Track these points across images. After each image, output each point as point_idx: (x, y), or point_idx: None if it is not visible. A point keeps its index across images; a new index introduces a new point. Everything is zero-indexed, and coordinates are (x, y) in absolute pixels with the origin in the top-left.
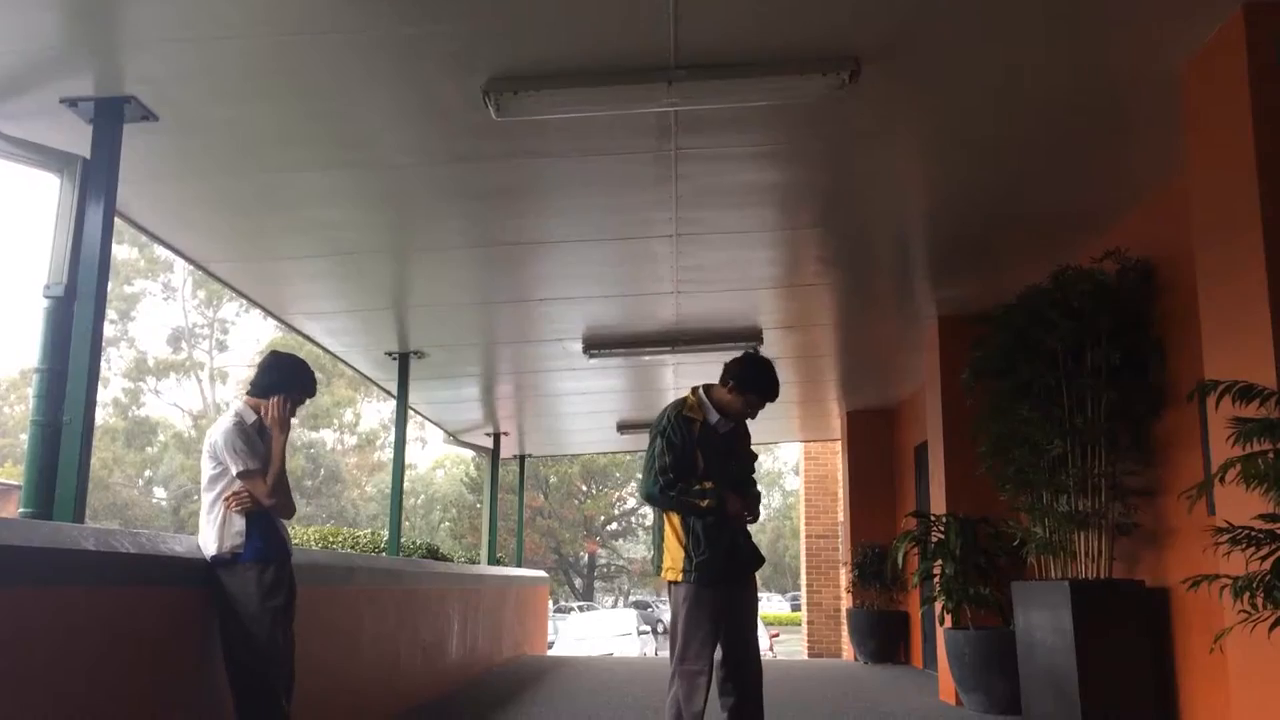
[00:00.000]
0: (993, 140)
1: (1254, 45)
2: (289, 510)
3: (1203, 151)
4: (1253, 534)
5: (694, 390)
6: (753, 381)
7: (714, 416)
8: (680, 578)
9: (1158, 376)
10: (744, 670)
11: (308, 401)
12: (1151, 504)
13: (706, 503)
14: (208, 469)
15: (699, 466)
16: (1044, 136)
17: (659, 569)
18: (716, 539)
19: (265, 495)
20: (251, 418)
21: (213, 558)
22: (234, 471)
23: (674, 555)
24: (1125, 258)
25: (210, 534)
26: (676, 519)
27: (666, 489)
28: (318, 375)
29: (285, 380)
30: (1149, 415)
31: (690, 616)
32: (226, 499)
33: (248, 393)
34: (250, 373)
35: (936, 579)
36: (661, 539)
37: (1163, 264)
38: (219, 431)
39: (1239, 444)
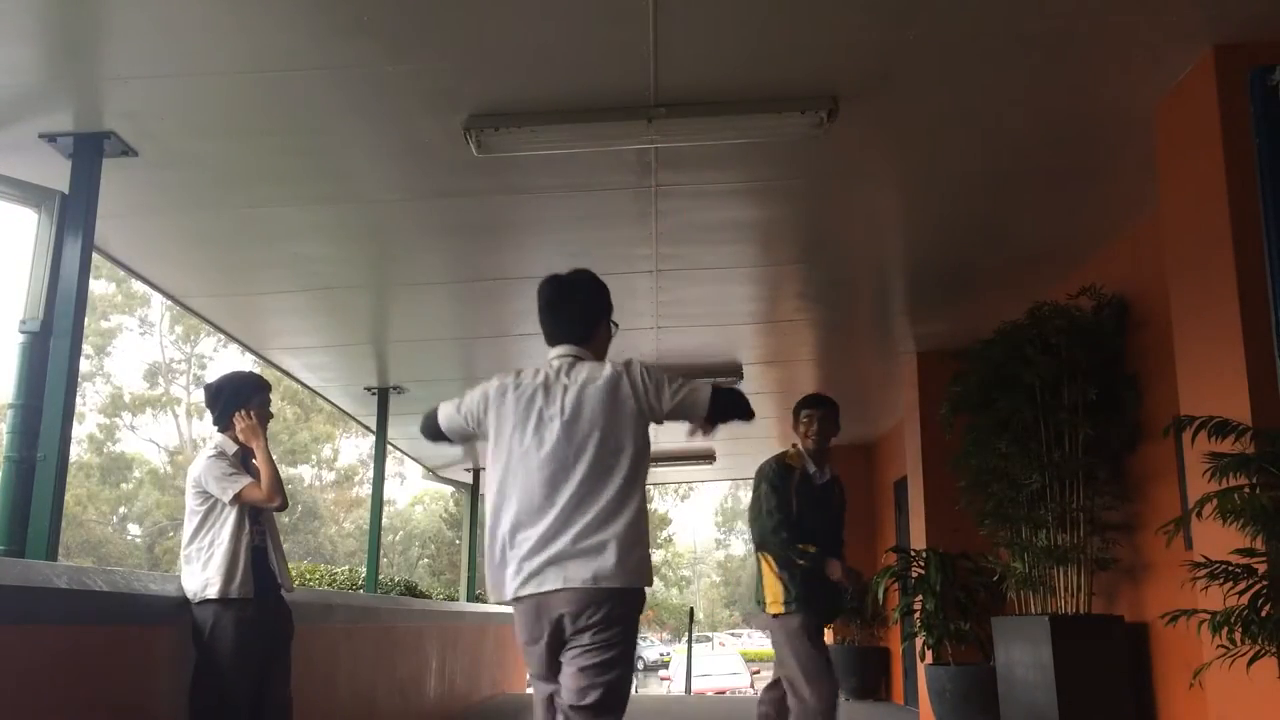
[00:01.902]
0: (969, 178)
1: (1225, 85)
2: (279, 501)
3: (1175, 189)
4: (1230, 569)
5: (794, 444)
6: (797, 406)
7: (811, 467)
8: (782, 609)
9: (1134, 412)
10: None
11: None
12: (1130, 539)
13: (803, 563)
14: (192, 505)
15: (793, 510)
16: (1019, 175)
17: (763, 605)
18: (810, 569)
19: (265, 500)
20: (232, 448)
21: (194, 596)
22: (225, 499)
23: (774, 590)
24: (1100, 294)
25: (192, 573)
26: (772, 556)
27: (777, 530)
28: (296, 410)
29: (234, 397)
30: (1126, 450)
31: (800, 643)
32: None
33: (217, 429)
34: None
35: (917, 614)
36: (760, 577)
37: (1137, 300)
38: (199, 466)
39: (1215, 479)
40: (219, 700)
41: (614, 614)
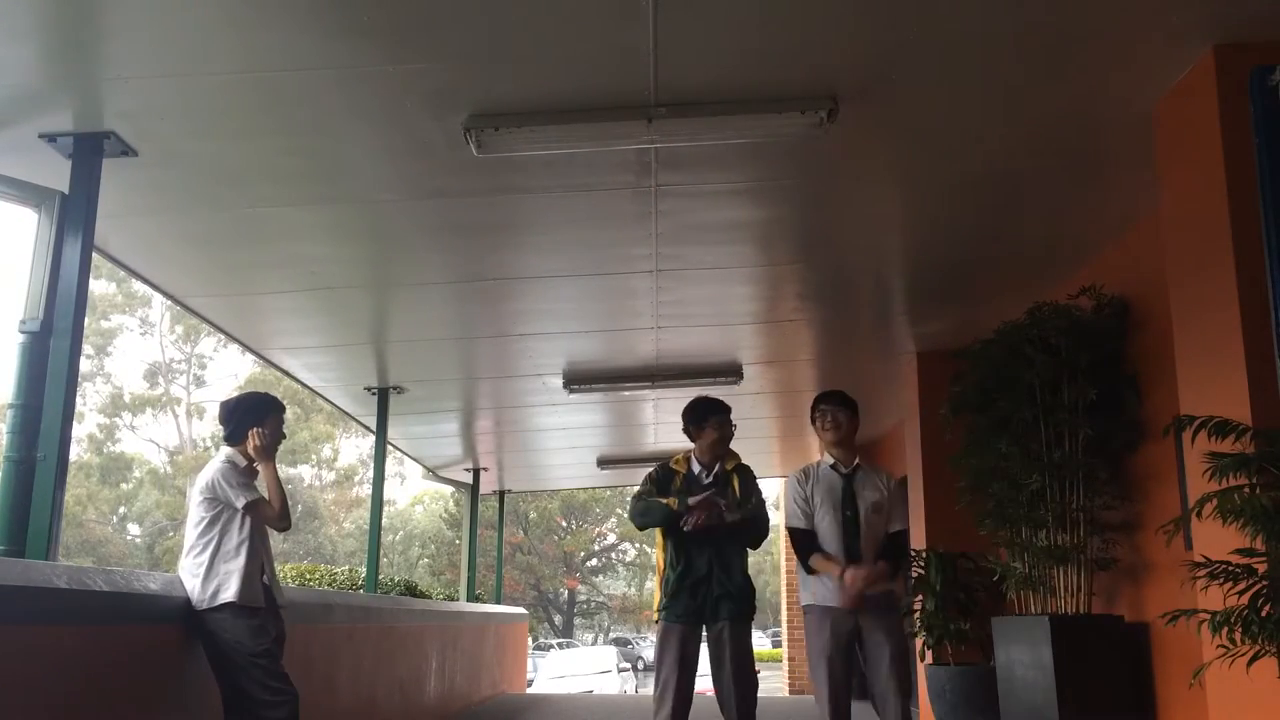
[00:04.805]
0: (969, 178)
1: (1225, 85)
2: (287, 523)
3: (1175, 190)
4: (1230, 569)
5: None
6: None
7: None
8: (657, 616)
9: (1134, 412)
10: (728, 713)
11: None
12: (1130, 539)
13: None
14: (202, 511)
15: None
16: (1019, 175)
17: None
18: (684, 577)
19: (275, 519)
20: (242, 462)
21: (202, 604)
22: (238, 505)
23: (657, 595)
24: (1101, 294)
25: (199, 581)
26: (660, 560)
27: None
28: (295, 410)
29: (250, 415)
30: (1126, 450)
31: (656, 655)
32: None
33: (227, 443)
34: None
35: (917, 614)
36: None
37: (1138, 300)
38: (212, 471)
39: (1215, 479)
40: (263, 691)
41: None
